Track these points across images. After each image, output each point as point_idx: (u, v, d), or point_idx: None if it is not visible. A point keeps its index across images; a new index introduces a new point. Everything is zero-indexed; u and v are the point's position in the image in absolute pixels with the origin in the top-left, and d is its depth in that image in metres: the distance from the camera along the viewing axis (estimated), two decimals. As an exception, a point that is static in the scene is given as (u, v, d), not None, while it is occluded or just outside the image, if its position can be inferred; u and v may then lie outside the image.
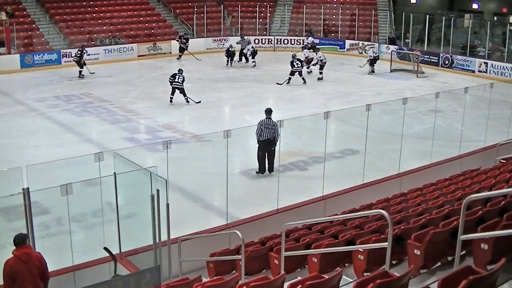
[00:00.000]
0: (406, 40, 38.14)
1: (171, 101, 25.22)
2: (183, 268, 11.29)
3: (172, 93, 25.17)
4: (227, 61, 34.80)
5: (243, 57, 35.82)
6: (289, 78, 29.39)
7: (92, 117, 23.33)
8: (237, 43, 36.53)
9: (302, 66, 29.68)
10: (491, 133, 18.44)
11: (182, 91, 25.06)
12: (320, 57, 31.12)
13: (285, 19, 42.87)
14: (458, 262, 6.99)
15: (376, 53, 33.94)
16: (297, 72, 29.23)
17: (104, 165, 10.34)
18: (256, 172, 16.77)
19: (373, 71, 32.69)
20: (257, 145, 16.69)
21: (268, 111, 16.82)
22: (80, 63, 30.87)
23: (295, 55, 30.23)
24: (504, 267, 5.83)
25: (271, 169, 16.72)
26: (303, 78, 29.58)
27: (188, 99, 25.09)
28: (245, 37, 37.07)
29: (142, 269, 9.52)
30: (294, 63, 29.17)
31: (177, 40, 37.04)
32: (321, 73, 30.95)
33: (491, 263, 7.00)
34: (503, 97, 22.61)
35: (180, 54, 36.58)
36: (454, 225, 7.92)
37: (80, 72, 30.70)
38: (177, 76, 25.10)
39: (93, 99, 26.09)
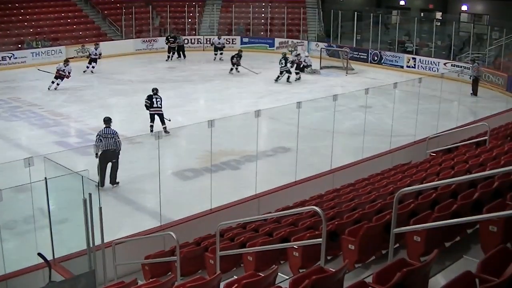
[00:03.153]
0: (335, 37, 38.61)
1: (151, 131, 19.98)
2: (119, 271, 11.15)
3: (152, 120, 20.52)
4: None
5: (181, 54, 37.44)
6: (278, 77, 30.32)
7: (21, 121, 22.77)
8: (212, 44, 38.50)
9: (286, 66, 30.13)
10: (421, 127, 18.76)
11: (161, 117, 20.42)
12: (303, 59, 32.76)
13: (214, 18, 42.77)
14: (392, 255, 7.04)
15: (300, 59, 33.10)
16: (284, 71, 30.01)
17: (35, 170, 10.13)
18: (96, 185, 13.35)
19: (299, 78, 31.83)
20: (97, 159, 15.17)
21: (107, 120, 16.03)
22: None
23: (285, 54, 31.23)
24: (437, 259, 5.88)
25: (113, 181, 15.62)
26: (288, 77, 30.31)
27: (166, 128, 20.07)
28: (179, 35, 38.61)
29: (77, 274, 9.33)
30: (281, 62, 30.05)
31: (166, 42, 37.48)
32: (297, 73, 31.31)
33: (424, 255, 7.07)
34: (432, 91, 22.99)
35: (169, 55, 37.04)
36: (387, 219, 7.98)
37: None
38: (154, 100, 20.55)
39: (21, 103, 25.44)
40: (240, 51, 33.27)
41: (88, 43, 36.72)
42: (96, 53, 32.70)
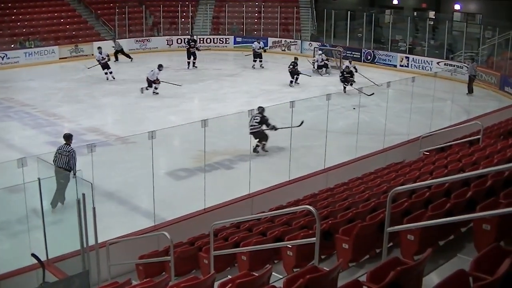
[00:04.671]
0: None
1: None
2: (112, 272, 11.12)
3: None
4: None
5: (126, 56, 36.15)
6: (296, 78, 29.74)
7: (14, 122, 22.70)
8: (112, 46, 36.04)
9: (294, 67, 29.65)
10: (414, 126, 18.80)
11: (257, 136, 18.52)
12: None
13: (207, 18, 42.74)
14: (386, 254, 7.04)
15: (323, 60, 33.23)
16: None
17: (28, 171, 10.10)
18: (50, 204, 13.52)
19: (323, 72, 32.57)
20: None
21: (67, 137, 14.64)
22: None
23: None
24: (430, 257, 5.89)
25: (61, 201, 13.90)
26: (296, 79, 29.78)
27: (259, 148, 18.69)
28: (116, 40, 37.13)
29: (71, 275, 9.29)
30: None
31: (185, 47, 35.06)
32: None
33: (418, 254, 7.08)
34: (425, 90, 23.03)
35: (189, 61, 34.38)
36: (380, 217, 7.98)
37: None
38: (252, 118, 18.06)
39: (14, 103, 25.36)
40: (296, 58, 30.68)
41: (81, 43, 36.68)
42: (103, 57, 30.20)
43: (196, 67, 34.15)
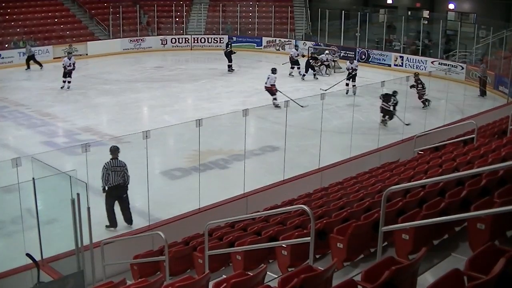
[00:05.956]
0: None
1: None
2: (107, 271, 11.12)
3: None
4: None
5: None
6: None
7: (8, 121, 22.64)
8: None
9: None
10: (408, 125, 18.80)
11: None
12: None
13: (201, 17, 42.70)
14: (381, 253, 7.05)
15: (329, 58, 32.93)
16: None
17: (22, 171, 10.06)
18: (107, 226, 13.37)
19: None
20: (104, 194, 13.50)
21: (114, 150, 13.60)
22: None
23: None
24: (425, 256, 5.90)
25: (128, 220, 13.52)
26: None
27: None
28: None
29: (65, 275, 9.26)
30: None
31: (225, 50, 33.53)
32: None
33: (413, 253, 7.09)
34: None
35: (230, 64, 33.01)
36: (375, 217, 7.99)
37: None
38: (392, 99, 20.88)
39: (8, 103, 25.28)
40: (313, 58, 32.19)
41: (75, 42, 36.57)
42: (70, 63, 27.91)
43: (233, 69, 33.30)
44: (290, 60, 31.75)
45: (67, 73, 27.83)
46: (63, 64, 28.02)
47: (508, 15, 34.63)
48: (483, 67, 28.06)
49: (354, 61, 29.35)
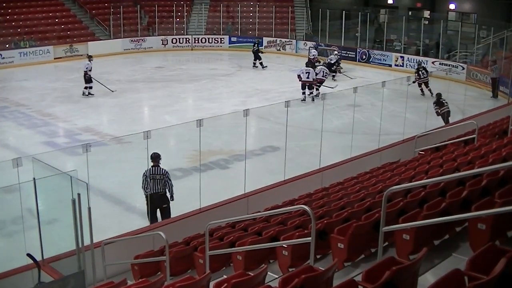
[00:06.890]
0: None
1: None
2: (108, 272, 11.09)
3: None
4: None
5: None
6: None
7: (8, 122, 22.68)
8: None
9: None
10: (409, 125, 18.81)
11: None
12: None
13: (202, 18, 42.72)
14: (381, 254, 7.04)
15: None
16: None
17: (23, 171, 10.04)
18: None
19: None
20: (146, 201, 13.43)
21: (155, 157, 13.26)
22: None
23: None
24: (426, 257, 5.90)
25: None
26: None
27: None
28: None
29: (66, 275, 9.26)
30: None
31: (252, 49, 34.53)
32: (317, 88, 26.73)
33: (413, 253, 7.08)
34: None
35: (255, 61, 34.32)
36: (376, 217, 7.98)
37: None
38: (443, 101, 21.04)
39: (9, 103, 25.32)
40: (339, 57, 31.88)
41: (76, 43, 36.61)
42: (91, 67, 26.57)
43: (256, 66, 34.22)
44: (310, 62, 29.37)
45: (88, 80, 26.31)
46: (86, 68, 26.33)
47: (508, 15, 34.60)
48: (496, 67, 27.78)
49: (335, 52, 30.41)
